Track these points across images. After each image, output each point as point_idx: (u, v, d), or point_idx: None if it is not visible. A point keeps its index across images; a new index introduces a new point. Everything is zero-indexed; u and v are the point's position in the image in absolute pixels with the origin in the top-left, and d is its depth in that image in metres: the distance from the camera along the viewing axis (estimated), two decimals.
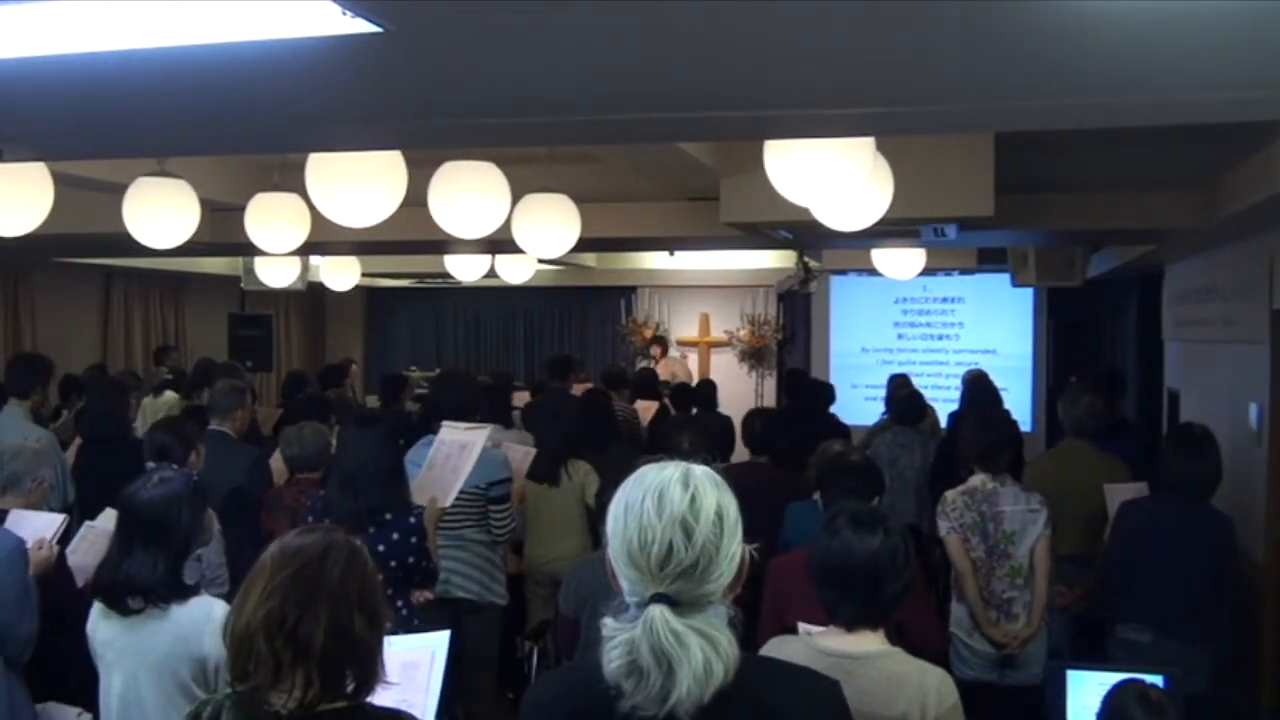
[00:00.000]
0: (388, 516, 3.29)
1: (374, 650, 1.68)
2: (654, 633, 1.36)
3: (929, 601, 3.41)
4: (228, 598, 2.43)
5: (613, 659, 1.39)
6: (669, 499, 1.40)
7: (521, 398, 7.35)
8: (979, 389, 6.72)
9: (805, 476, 4.27)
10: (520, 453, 4.81)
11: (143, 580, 2.52)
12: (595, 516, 4.57)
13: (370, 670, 1.67)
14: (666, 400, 7.30)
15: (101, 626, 2.58)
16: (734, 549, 1.45)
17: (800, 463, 4.39)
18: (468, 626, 4.10)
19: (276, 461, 4.57)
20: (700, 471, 1.48)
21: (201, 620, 2.49)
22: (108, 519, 3.39)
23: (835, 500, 3.08)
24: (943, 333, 10.54)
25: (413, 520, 3.34)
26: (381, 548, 3.20)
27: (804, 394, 6.63)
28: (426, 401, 5.95)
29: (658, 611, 1.37)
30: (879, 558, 2.13)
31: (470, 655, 4.08)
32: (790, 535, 3.91)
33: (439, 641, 2.33)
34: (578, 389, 6.93)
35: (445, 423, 4.04)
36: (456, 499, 3.89)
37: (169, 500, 2.57)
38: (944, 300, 10.53)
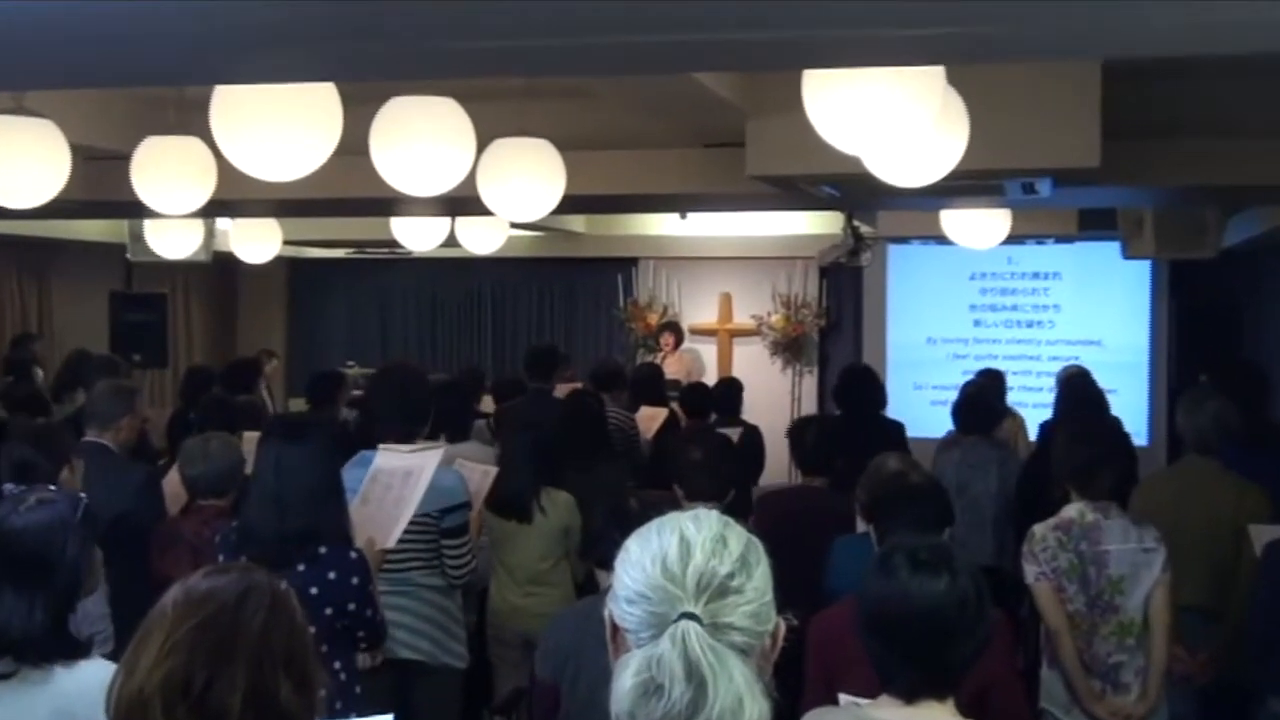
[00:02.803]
0: (321, 550, 3.30)
1: None
2: (686, 644, 1.47)
3: (1016, 664, 3.42)
4: (112, 657, 2.43)
5: (625, 683, 1.48)
6: (706, 520, 1.59)
7: (488, 404, 7.35)
8: (1078, 391, 6.71)
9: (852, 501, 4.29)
10: (479, 472, 4.82)
11: (14, 633, 2.45)
12: (579, 556, 4.58)
13: None
14: (676, 405, 7.30)
15: None
16: (766, 586, 1.56)
17: (849, 485, 4.40)
18: (417, 695, 4.10)
19: (171, 484, 4.58)
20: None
21: (94, 691, 2.44)
22: None
23: (891, 533, 3.09)
24: (1033, 318, 10.55)
25: (354, 556, 3.35)
26: (314, 590, 3.21)
27: (859, 399, 6.61)
28: (364, 406, 5.95)
29: (691, 625, 1.49)
30: (945, 607, 2.14)
31: None
32: (837, 579, 3.92)
33: None
34: (561, 390, 6.93)
35: (383, 446, 4.05)
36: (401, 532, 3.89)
37: (51, 528, 2.52)
38: (1035, 276, 10.53)
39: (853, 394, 6.59)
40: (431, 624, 4.16)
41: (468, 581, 4.31)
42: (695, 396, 7.22)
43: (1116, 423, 5.94)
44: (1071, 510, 3.90)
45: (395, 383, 4.44)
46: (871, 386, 6.64)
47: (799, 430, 5.04)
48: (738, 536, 1.58)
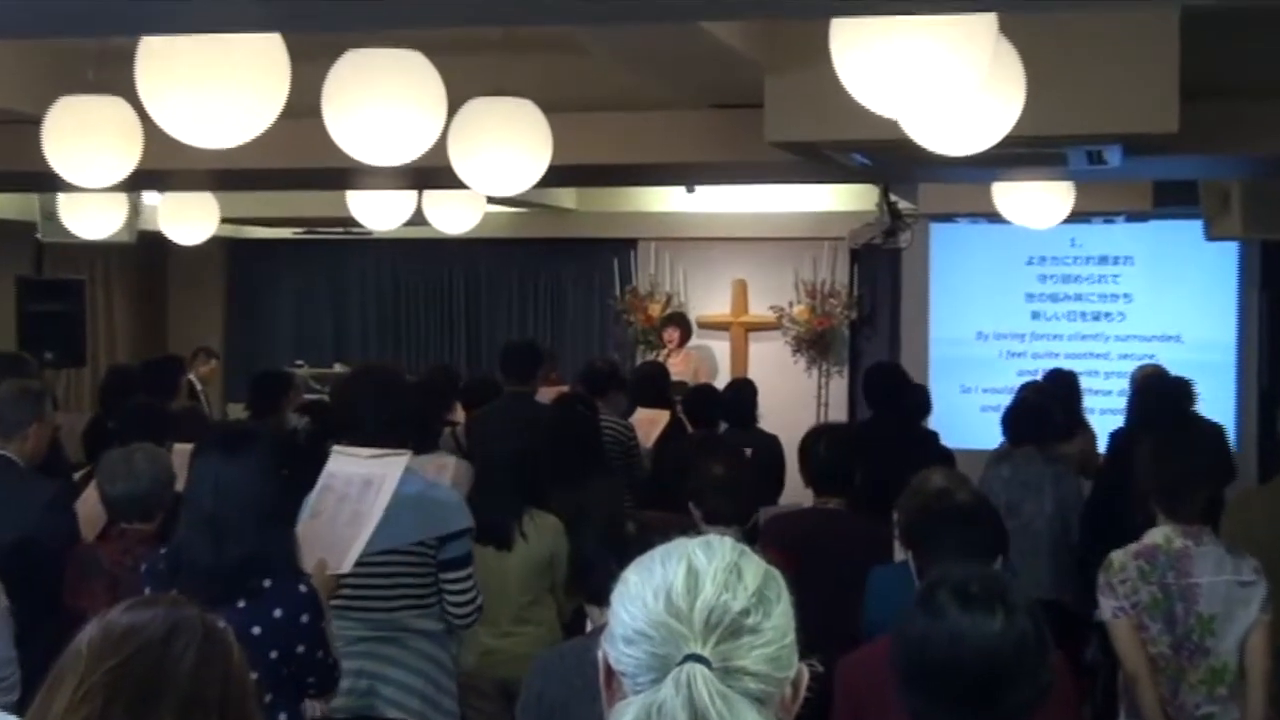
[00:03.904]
0: (266, 583, 3.30)
1: None
2: (692, 690, 1.48)
3: (1080, 717, 3.42)
4: (20, 706, 2.43)
5: None
6: (718, 547, 1.60)
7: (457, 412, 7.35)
8: (1155, 396, 6.72)
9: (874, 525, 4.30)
10: (431, 468, 4.79)
11: None
12: (568, 589, 4.58)
13: None
14: (680, 410, 7.30)
15: None
16: (787, 625, 1.57)
17: (884, 506, 4.41)
18: None
19: (88, 503, 4.58)
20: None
21: None
22: None
23: (935, 562, 3.09)
24: (1101, 310, 10.54)
25: (303, 590, 3.35)
26: (257, 630, 3.21)
27: (895, 402, 6.62)
28: (323, 414, 5.95)
29: (698, 669, 1.50)
30: (1001, 650, 2.13)
31: None
32: (874, 614, 3.94)
33: None
34: (546, 393, 6.93)
35: (337, 448, 4.03)
36: (391, 565, 3.88)
37: None
38: (1103, 261, 10.52)
39: (878, 398, 6.59)
40: (424, 678, 4.11)
41: (473, 624, 4.28)
42: (700, 401, 7.20)
43: (1218, 430, 5.93)
44: (1157, 535, 3.89)
45: (373, 384, 4.38)
46: (900, 389, 6.63)
47: (810, 442, 5.00)
48: (755, 567, 1.58)
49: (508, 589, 4.83)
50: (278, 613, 3.28)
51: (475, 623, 4.28)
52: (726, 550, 1.59)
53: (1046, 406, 6.56)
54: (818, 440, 4.98)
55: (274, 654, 3.26)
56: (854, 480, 4.84)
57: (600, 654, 1.59)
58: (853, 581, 4.11)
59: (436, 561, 4.07)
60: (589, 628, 3.28)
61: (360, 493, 3.83)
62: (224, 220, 9.25)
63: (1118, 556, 3.91)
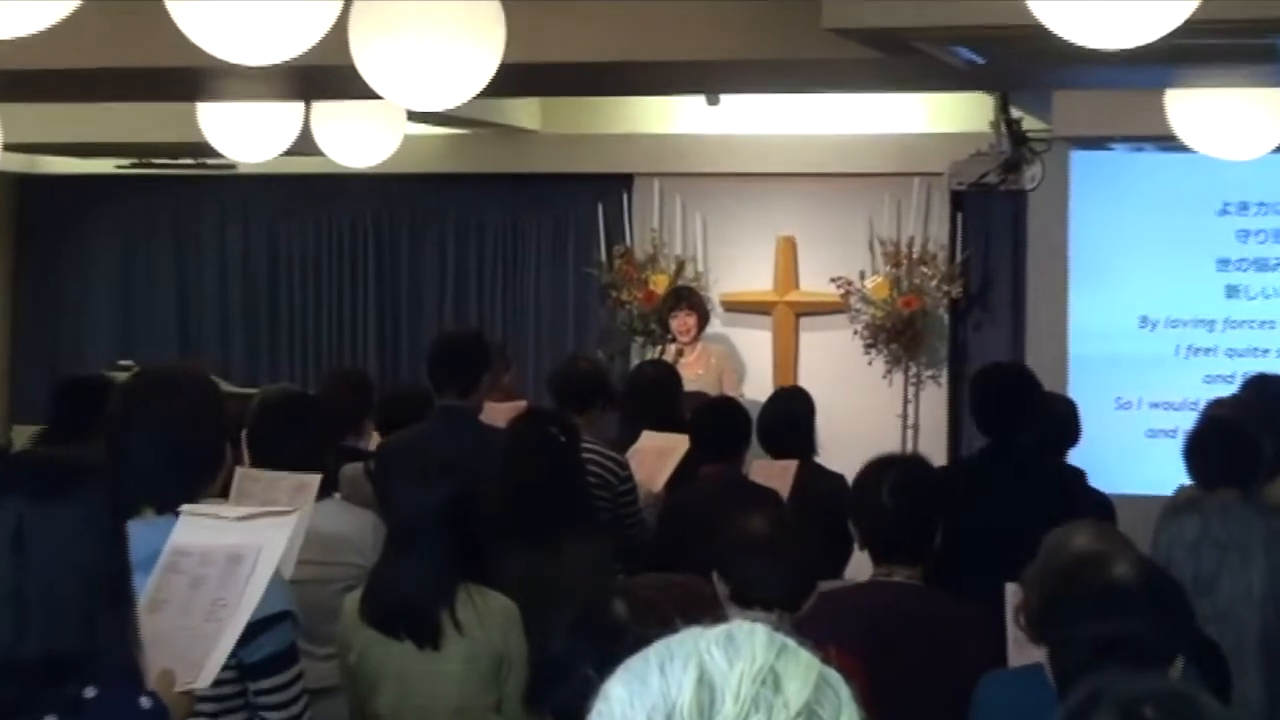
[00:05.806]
0: (89, 692, 3.30)
1: None
2: None
3: None
4: None
5: None
6: (745, 644, 1.59)
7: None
8: None
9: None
10: (286, 490, 4.85)
11: None
12: (525, 703, 4.60)
13: None
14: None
15: None
16: None
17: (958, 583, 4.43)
18: None
19: None
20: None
21: None
22: None
23: (1085, 668, 3.07)
24: None
25: (146, 705, 3.35)
26: None
27: (1007, 420, 6.63)
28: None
29: None
30: None
31: None
32: None
33: None
34: (497, 410, 6.93)
35: (187, 508, 4.03)
36: None
37: None
38: None
39: (990, 415, 6.58)
40: None
41: None
42: (719, 422, 7.20)
43: None
44: None
45: (148, 402, 4.41)
46: (1024, 402, 6.64)
47: (866, 484, 4.96)
48: (802, 673, 1.58)
49: (437, 705, 4.87)
50: None
51: None
52: (758, 647, 1.58)
53: (1252, 431, 6.56)
54: (878, 480, 4.94)
55: None
56: (933, 541, 4.81)
57: None
58: (942, 689, 4.15)
59: (239, 665, 4.06)
60: None
61: (224, 574, 3.83)
62: (8, 147, 9.26)
63: None
